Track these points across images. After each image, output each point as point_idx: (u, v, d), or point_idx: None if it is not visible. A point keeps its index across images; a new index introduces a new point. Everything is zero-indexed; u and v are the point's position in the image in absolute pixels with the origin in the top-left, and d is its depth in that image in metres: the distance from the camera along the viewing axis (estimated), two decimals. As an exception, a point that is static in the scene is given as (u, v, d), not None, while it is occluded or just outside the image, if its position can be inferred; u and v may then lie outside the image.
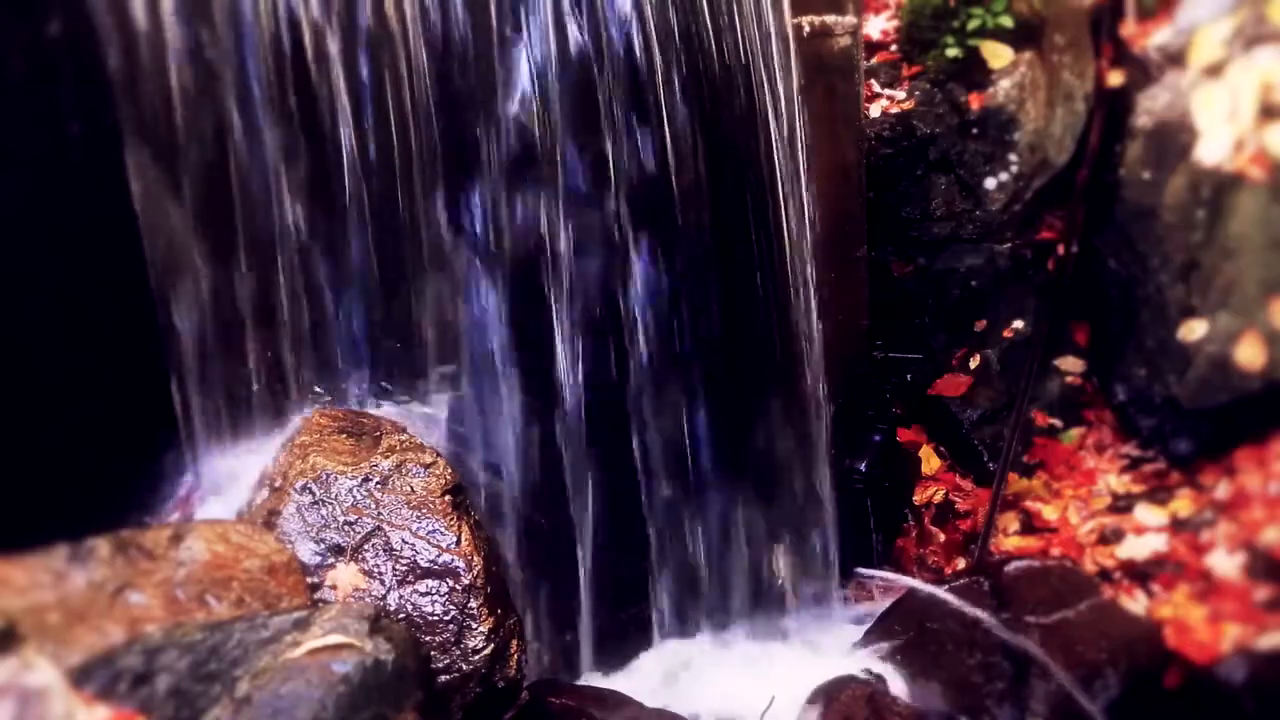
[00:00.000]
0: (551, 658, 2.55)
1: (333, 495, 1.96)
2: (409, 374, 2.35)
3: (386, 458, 2.03)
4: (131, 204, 1.99)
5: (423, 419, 2.31)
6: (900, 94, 3.45)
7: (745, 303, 2.76)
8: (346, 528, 1.94)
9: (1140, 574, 2.89)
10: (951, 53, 3.38)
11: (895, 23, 3.54)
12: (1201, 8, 3.24)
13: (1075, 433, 3.31)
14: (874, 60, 3.50)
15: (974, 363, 3.38)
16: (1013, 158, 3.39)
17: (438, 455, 2.07)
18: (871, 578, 3.08)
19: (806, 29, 2.90)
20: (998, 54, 3.37)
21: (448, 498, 1.99)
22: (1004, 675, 2.53)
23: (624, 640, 2.69)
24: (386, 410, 2.28)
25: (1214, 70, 3.12)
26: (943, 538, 3.21)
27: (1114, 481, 3.16)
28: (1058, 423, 3.32)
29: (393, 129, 2.23)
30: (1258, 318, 2.96)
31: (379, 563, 1.91)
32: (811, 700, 2.50)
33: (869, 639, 2.72)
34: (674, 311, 2.61)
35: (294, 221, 2.17)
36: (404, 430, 2.16)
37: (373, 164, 2.22)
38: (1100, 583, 2.86)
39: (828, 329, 2.90)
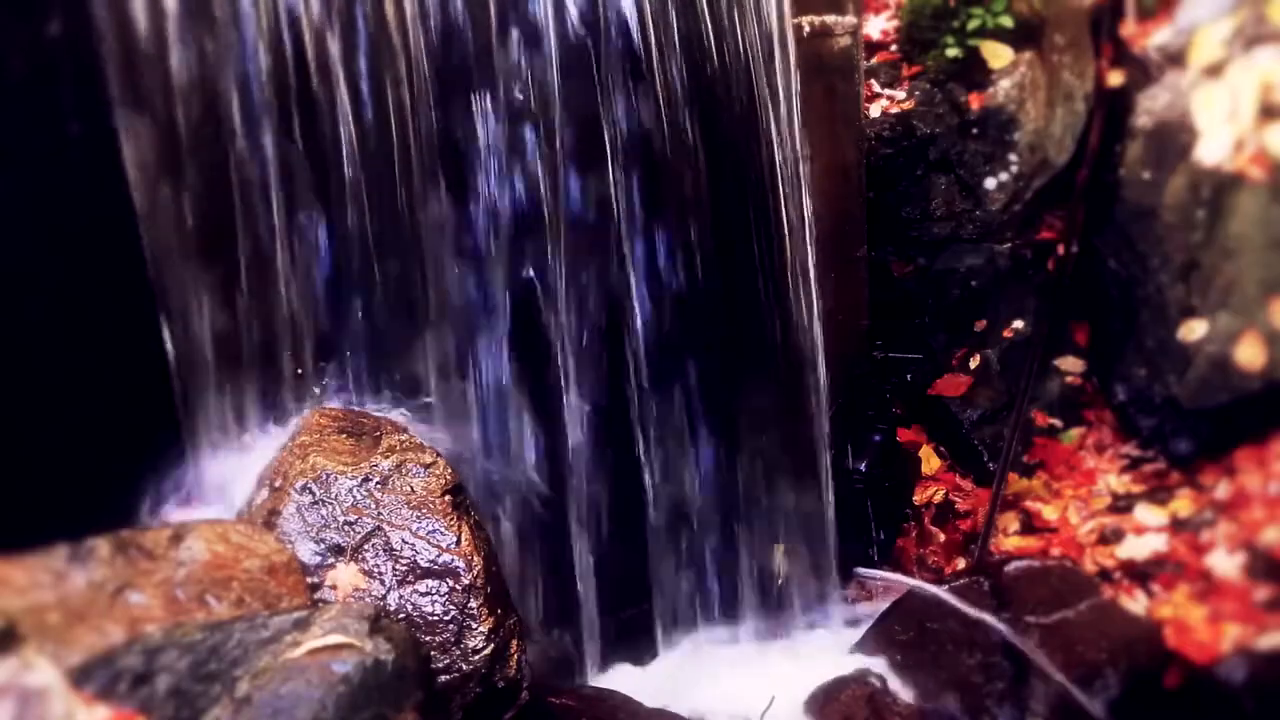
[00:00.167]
0: (552, 658, 2.55)
1: (333, 495, 1.96)
2: (410, 373, 2.35)
3: (386, 458, 2.03)
4: (131, 204, 1.99)
5: (423, 418, 2.30)
6: (900, 94, 3.45)
7: (745, 302, 2.76)
8: (346, 528, 1.93)
9: (1140, 574, 2.89)
10: (951, 53, 3.38)
11: (895, 23, 3.54)
12: (1201, 8, 3.24)
13: (1075, 433, 3.31)
14: (874, 60, 3.50)
15: (974, 363, 3.39)
16: (1013, 158, 3.39)
17: (438, 455, 2.06)
18: (871, 578, 3.08)
19: (806, 29, 2.90)
20: (998, 54, 3.37)
21: (448, 498, 1.99)
22: (1004, 675, 2.53)
23: (624, 640, 2.69)
24: (386, 410, 2.28)
25: (1214, 70, 3.12)
26: (943, 538, 3.21)
27: (1114, 481, 3.16)
28: (1058, 423, 3.32)
29: (393, 128, 2.23)
30: (1258, 318, 2.97)
31: (379, 563, 1.91)
32: (811, 700, 2.51)
33: (869, 639, 2.73)
34: (674, 311, 2.61)
35: (294, 220, 2.17)
36: (404, 430, 2.16)
37: (373, 162, 2.22)
38: (1100, 583, 2.86)
39: (828, 329, 2.90)
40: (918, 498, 3.28)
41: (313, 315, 2.23)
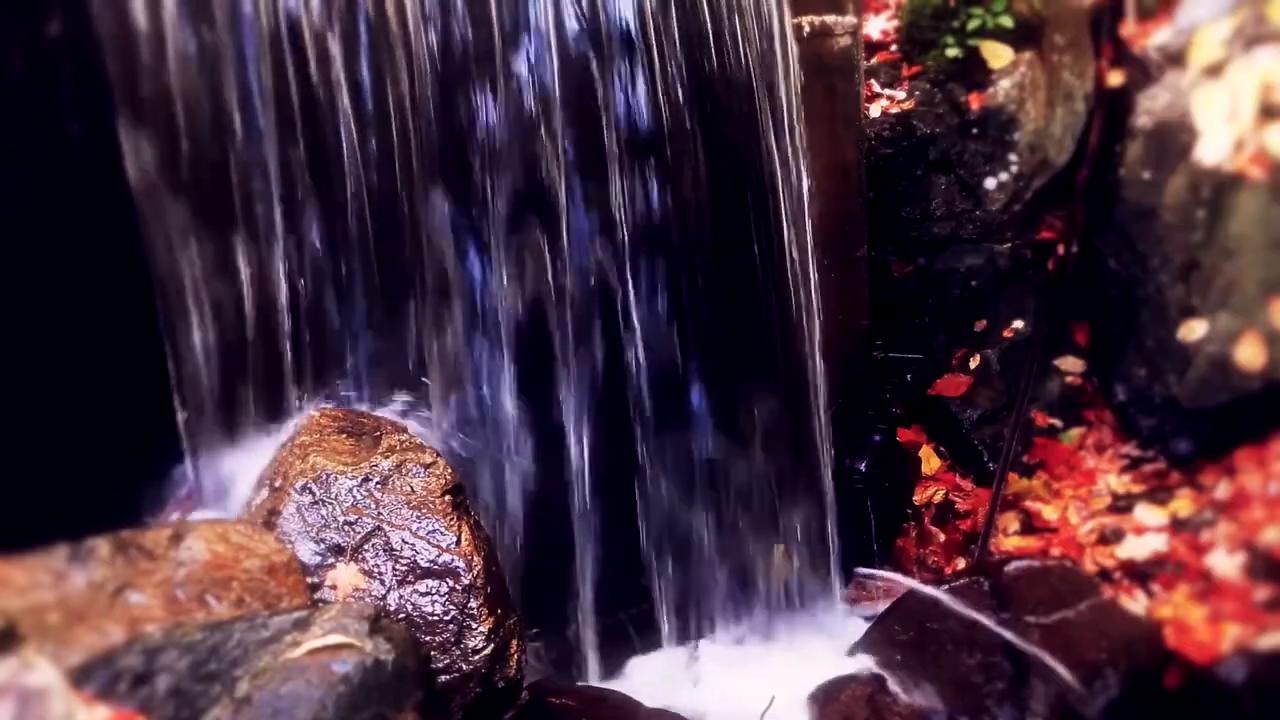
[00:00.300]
0: (552, 658, 2.55)
1: (333, 495, 1.96)
2: (410, 373, 2.35)
3: (386, 458, 2.03)
4: (132, 204, 1.99)
5: (423, 418, 2.30)
6: (900, 94, 3.45)
7: (745, 302, 2.76)
8: (346, 528, 1.93)
9: (1140, 574, 2.89)
10: (951, 53, 3.38)
11: (895, 23, 3.54)
12: (1201, 8, 3.24)
13: (1075, 433, 3.31)
14: (874, 60, 3.50)
15: (974, 363, 3.39)
16: (1013, 158, 3.39)
17: (438, 455, 2.06)
18: (871, 578, 3.08)
19: (806, 29, 2.90)
20: (998, 54, 3.37)
21: (448, 498, 1.99)
22: (1004, 675, 2.53)
23: (625, 640, 2.69)
24: (386, 410, 2.28)
25: (1214, 70, 3.12)
26: (943, 538, 3.21)
27: (1114, 481, 3.16)
28: (1058, 423, 3.32)
29: (393, 129, 2.23)
30: (1258, 318, 2.97)
31: (379, 563, 1.91)
32: (811, 700, 2.51)
33: (869, 639, 2.72)
34: (674, 310, 2.61)
35: (294, 221, 2.17)
36: (404, 430, 2.16)
37: (373, 163, 2.22)
38: (1100, 583, 2.86)
39: (828, 329, 2.90)
40: (918, 498, 3.28)
41: (313, 315, 2.23)
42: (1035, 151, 3.40)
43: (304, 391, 2.23)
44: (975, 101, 3.37)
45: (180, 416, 2.09)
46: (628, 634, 2.70)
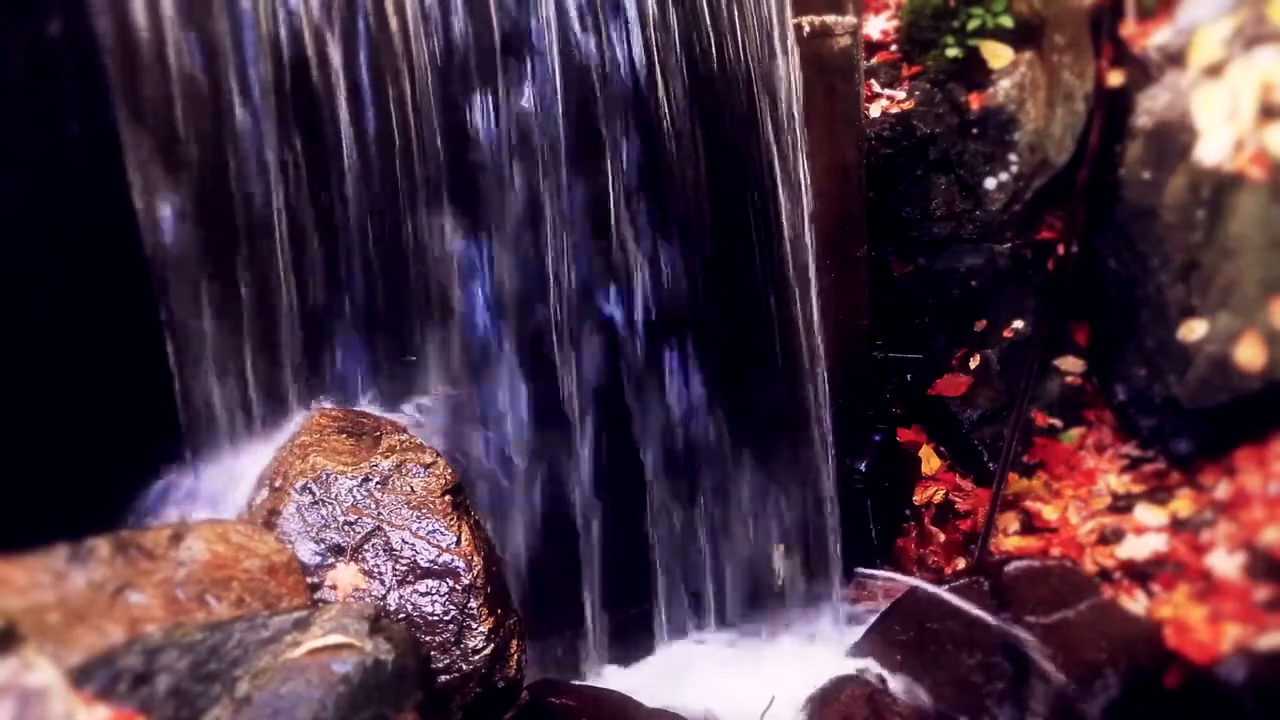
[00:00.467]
0: (552, 658, 2.55)
1: (333, 495, 1.96)
2: (410, 373, 2.35)
3: (386, 458, 2.03)
4: (131, 204, 1.99)
5: (423, 418, 2.31)
6: (900, 94, 3.45)
7: (745, 302, 2.76)
8: (346, 528, 1.93)
9: (1140, 574, 2.89)
10: (951, 53, 3.38)
11: (895, 23, 3.54)
12: (1201, 8, 3.24)
13: (1075, 433, 3.31)
14: (874, 60, 3.50)
15: (974, 363, 3.38)
16: (1013, 158, 3.39)
17: (438, 455, 2.06)
18: (872, 578, 3.08)
19: (806, 29, 2.90)
20: (998, 54, 3.37)
21: (448, 498, 1.99)
22: (1004, 675, 2.53)
23: (625, 640, 2.69)
24: (386, 410, 2.28)
25: (1214, 70, 3.12)
26: (943, 538, 3.21)
27: (1114, 481, 3.16)
28: (1058, 423, 3.32)
29: (394, 129, 2.23)
30: (1258, 318, 2.97)
31: (379, 563, 1.91)
32: (811, 700, 2.51)
33: (869, 639, 2.73)
34: (674, 310, 2.61)
35: (294, 221, 2.17)
36: (404, 430, 2.16)
37: (373, 164, 2.22)
38: (1100, 583, 2.86)
39: (828, 329, 2.90)
40: (918, 498, 3.28)
41: (313, 315, 2.23)
42: (1035, 151, 3.40)
43: (304, 391, 2.23)
44: (975, 101, 3.37)
45: (180, 416, 2.09)
46: (628, 634, 2.70)
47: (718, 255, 2.67)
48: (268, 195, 2.13)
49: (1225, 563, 2.81)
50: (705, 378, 2.68)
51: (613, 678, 2.61)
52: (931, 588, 2.79)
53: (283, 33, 2.08)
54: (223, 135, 2.07)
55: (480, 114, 2.33)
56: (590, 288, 2.50)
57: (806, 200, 2.81)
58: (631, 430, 2.61)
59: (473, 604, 1.89)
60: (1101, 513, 3.08)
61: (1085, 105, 3.48)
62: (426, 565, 1.91)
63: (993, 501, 3.13)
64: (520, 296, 2.43)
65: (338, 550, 1.92)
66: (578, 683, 2.53)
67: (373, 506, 1.96)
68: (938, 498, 3.26)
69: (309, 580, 1.87)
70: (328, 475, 1.98)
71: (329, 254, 2.22)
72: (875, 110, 3.43)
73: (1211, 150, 3.06)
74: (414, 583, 1.90)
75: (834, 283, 3.02)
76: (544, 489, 2.51)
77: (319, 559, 1.91)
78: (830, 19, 3.00)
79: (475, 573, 1.92)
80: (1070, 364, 3.40)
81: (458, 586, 1.90)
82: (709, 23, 2.54)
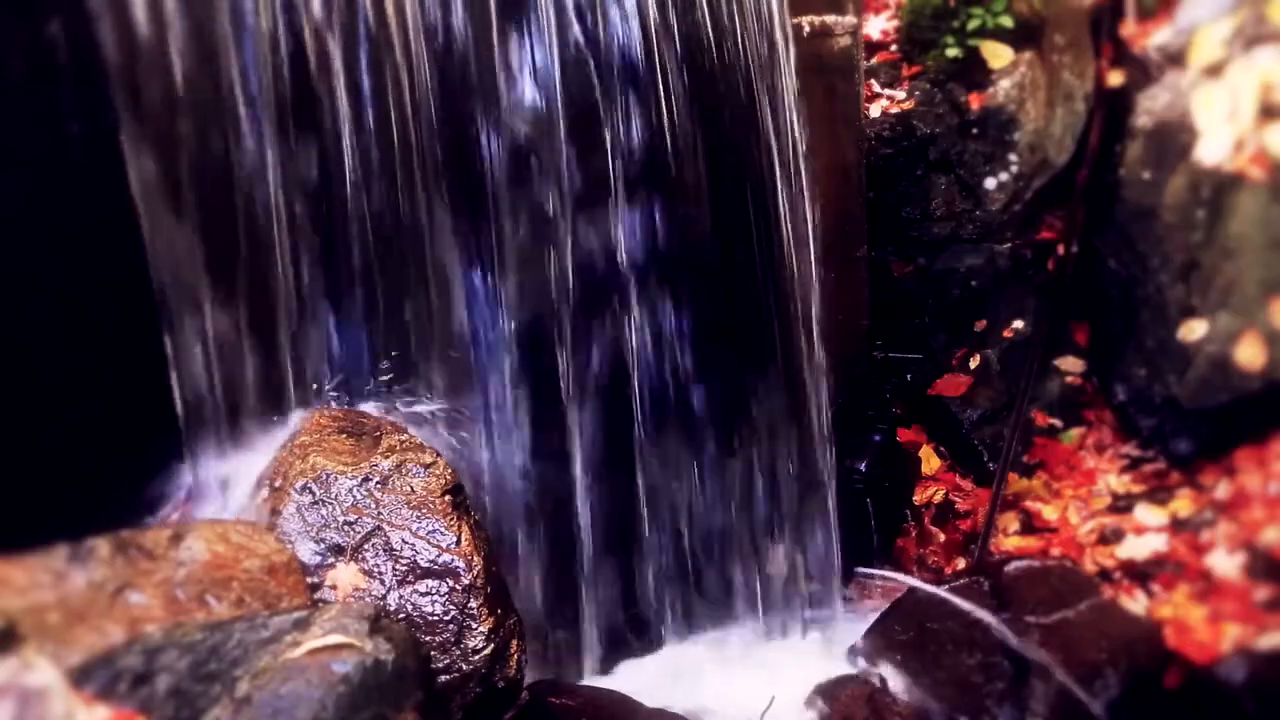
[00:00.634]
0: (552, 658, 2.55)
1: (333, 495, 1.96)
2: (410, 374, 2.35)
3: (386, 458, 2.03)
4: (131, 204, 1.99)
5: (423, 418, 2.30)
6: (900, 94, 3.45)
7: (745, 303, 2.76)
8: (346, 528, 1.94)
9: (1140, 574, 2.89)
10: (951, 53, 3.38)
11: (895, 23, 3.54)
12: (1201, 8, 3.24)
13: (1075, 433, 3.31)
14: (874, 60, 3.50)
15: (974, 363, 3.39)
16: (1013, 158, 3.39)
17: (438, 455, 2.06)
18: (872, 578, 3.08)
19: (806, 29, 2.90)
20: (998, 54, 3.37)
21: (448, 498, 1.99)
22: (1004, 675, 2.53)
23: (625, 640, 2.69)
24: (386, 410, 2.28)
25: (1214, 70, 3.12)
26: (943, 538, 3.21)
27: (1114, 481, 3.16)
28: (1058, 423, 3.32)
29: (393, 129, 2.23)
30: (1258, 318, 2.97)
31: (379, 563, 1.91)
32: (811, 700, 2.51)
33: (869, 639, 2.72)
34: (674, 311, 2.61)
35: (294, 221, 2.17)
36: (404, 430, 2.16)
37: (373, 163, 2.22)
38: (1100, 583, 2.86)
39: (828, 329, 2.90)
40: (918, 498, 3.28)
41: (313, 314, 2.23)
42: (1035, 151, 3.40)
43: (304, 391, 2.23)
44: (975, 101, 3.37)
45: (180, 417, 2.09)
46: (628, 634, 2.70)
47: (717, 255, 2.67)
48: (267, 195, 2.13)
49: (1225, 563, 2.81)
50: (705, 378, 2.68)
51: (613, 678, 2.61)
52: (931, 588, 2.79)
53: (282, 33, 2.08)
54: (223, 135, 2.07)
55: (480, 114, 2.33)
56: (589, 288, 2.50)
57: (806, 200, 2.81)
58: (631, 430, 2.61)
59: (473, 604, 1.89)
60: (1101, 513, 3.08)
61: (1085, 105, 3.48)
62: (426, 565, 1.91)
63: (993, 501, 3.13)
64: (520, 296, 2.43)
65: (338, 550, 1.92)
66: (578, 683, 2.53)
67: (373, 506, 1.96)
68: (938, 498, 3.26)
69: (309, 580, 1.87)
70: (328, 475, 1.98)
71: (329, 253, 2.22)
72: (875, 110, 3.43)
73: (1211, 150, 3.06)
74: (414, 583, 1.90)
75: (834, 283, 3.02)
76: (543, 489, 2.51)
77: (319, 559, 1.91)
78: (830, 19, 3.00)
79: (475, 573, 1.92)
80: (1070, 364, 3.40)
81: (458, 586, 1.90)
82: (709, 23, 2.54)
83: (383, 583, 1.89)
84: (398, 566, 1.91)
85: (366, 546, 1.92)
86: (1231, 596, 2.74)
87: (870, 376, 3.36)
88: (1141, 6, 3.45)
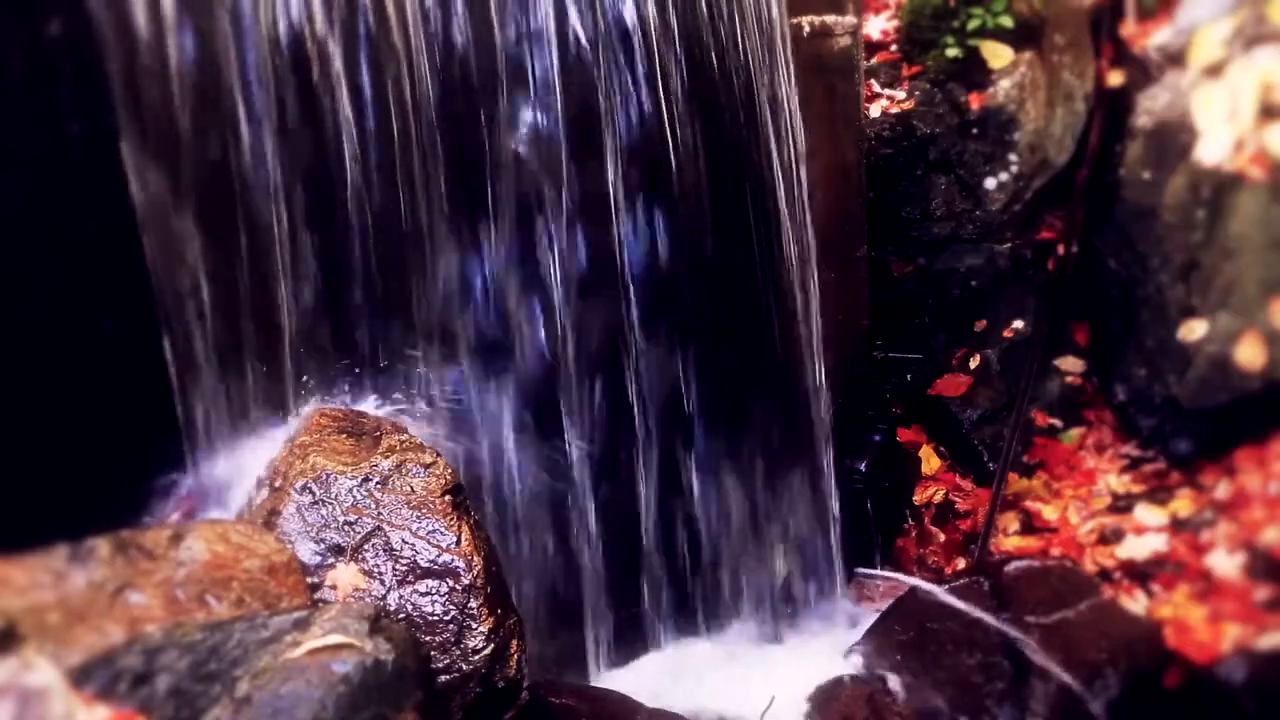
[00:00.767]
0: (552, 657, 2.55)
1: (333, 495, 1.96)
2: (410, 373, 2.35)
3: (386, 458, 2.03)
4: (131, 204, 1.99)
5: (423, 418, 2.31)
6: (900, 94, 3.46)
7: (745, 303, 2.76)
8: (346, 528, 1.93)
9: (1140, 574, 2.89)
10: (951, 53, 3.38)
11: (895, 23, 3.55)
12: (1201, 8, 3.24)
13: (1075, 433, 3.31)
14: (874, 60, 3.51)
15: (974, 363, 3.39)
16: (1013, 158, 3.39)
17: (438, 455, 2.06)
18: (872, 578, 3.08)
19: (806, 29, 2.90)
20: (998, 54, 3.37)
21: (448, 498, 1.99)
22: (1004, 675, 2.53)
23: (625, 640, 2.69)
24: (387, 410, 2.28)
25: (1214, 70, 3.12)
26: (943, 538, 3.21)
27: (1114, 481, 3.16)
28: (1058, 423, 3.32)
29: (394, 130, 2.23)
30: (1258, 318, 2.97)
31: (379, 563, 1.91)
32: (811, 700, 2.51)
33: (869, 639, 2.72)
34: (674, 312, 2.61)
35: (295, 222, 2.17)
36: (404, 430, 2.16)
37: (374, 164, 2.22)
38: (1100, 583, 2.86)
39: (828, 329, 2.90)
40: (918, 498, 3.28)
41: (313, 315, 2.23)
42: (1035, 151, 3.40)
43: (304, 391, 2.23)
44: (975, 101, 3.38)
45: (180, 416, 2.09)
46: (628, 634, 2.70)
47: (717, 255, 2.67)
48: (267, 195, 2.13)
49: (1225, 563, 2.81)
50: (705, 378, 2.68)
51: (613, 678, 2.61)
52: (931, 588, 2.79)
53: (283, 33, 2.08)
54: (223, 135, 2.06)
55: (480, 114, 2.33)
56: (589, 288, 2.50)
57: (806, 200, 2.81)
58: (631, 430, 2.61)
59: (473, 604, 1.89)
60: (1101, 513, 3.09)
61: (1085, 105, 3.48)
62: (426, 565, 1.91)
63: (993, 501, 3.13)
64: (520, 297, 2.43)
65: (338, 550, 1.92)
66: (578, 683, 2.53)
67: (373, 506, 1.96)
68: (938, 498, 3.26)
69: (309, 580, 1.87)
70: (328, 475, 1.98)
71: (329, 253, 2.22)
72: (875, 110, 3.43)
73: (1211, 150, 3.06)
74: (414, 583, 1.90)
75: (834, 283, 3.02)
76: (543, 489, 2.51)
77: (319, 559, 1.91)
78: (830, 19, 3.00)
79: (475, 573, 1.92)
80: (1070, 364, 3.40)
81: (458, 586, 1.90)
82: (708, 24, 2.54)
83: (383, 583, 1.89)
84: (398, 566, 1.91)
85: (366, 546, 1.92)
86: (1231, 596, 2.74)
87: (870, 376, 3.36)
88: (1141, 6, 3.45)
